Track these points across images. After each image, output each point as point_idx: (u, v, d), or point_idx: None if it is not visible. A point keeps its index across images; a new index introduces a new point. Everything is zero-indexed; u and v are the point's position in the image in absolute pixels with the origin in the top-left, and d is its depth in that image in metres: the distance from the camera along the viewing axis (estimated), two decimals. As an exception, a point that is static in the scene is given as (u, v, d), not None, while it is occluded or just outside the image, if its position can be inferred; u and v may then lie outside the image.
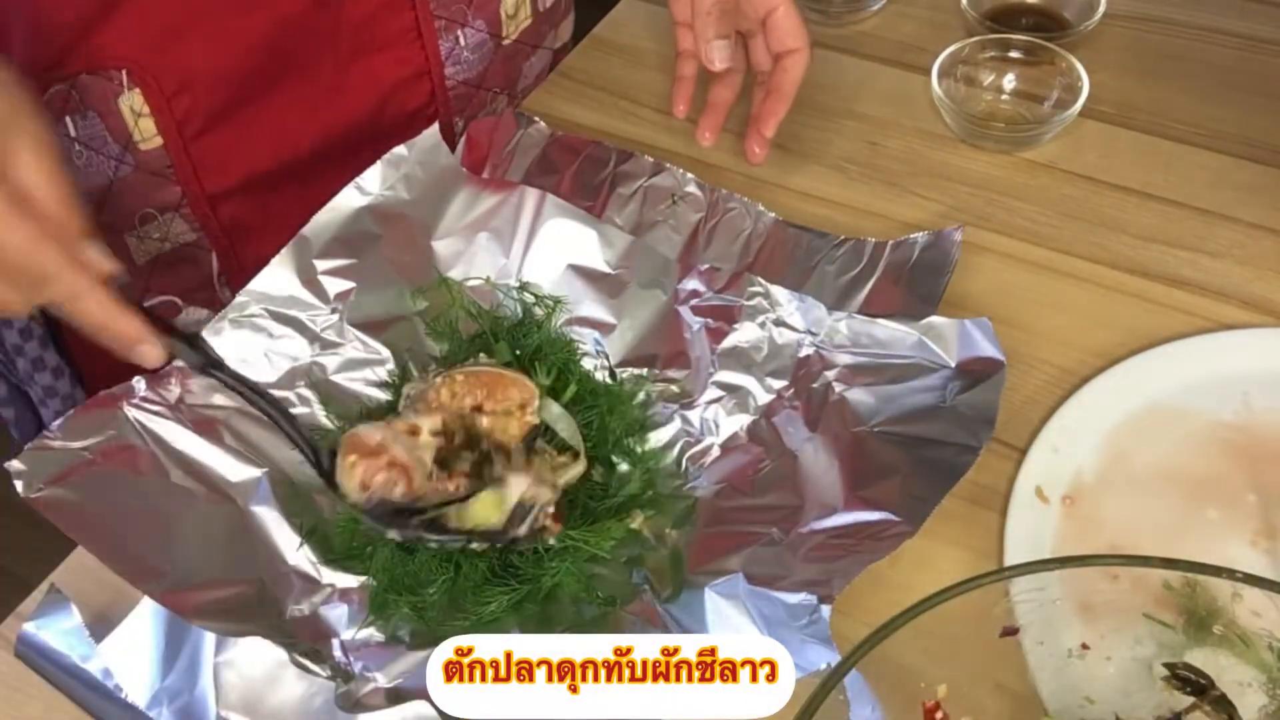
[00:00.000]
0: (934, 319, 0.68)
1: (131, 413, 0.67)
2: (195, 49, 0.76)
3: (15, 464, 0.62)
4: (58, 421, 0.65)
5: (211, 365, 0.64)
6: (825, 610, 0.57)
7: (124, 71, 0.76)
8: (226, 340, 0.71)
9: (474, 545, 0.64)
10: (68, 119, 0.78)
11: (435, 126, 0.80)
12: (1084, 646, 0.53)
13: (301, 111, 0.83)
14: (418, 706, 0.57)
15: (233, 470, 0.67)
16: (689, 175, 0.82)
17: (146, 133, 0.79)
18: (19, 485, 0.62)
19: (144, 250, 0.84)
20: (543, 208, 0.78)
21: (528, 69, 0.97)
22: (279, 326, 0.72)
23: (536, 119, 0.87)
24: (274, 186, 0.85)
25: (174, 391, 0.68)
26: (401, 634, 0.62)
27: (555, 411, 0.69)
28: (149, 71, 0.76)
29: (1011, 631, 0.52)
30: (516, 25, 0.91)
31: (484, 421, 0.66)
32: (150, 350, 0.60)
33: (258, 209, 0.86)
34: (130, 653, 0.61)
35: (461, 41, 0.87)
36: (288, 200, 0.85)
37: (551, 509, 0.64)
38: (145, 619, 0.62)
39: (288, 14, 0.78)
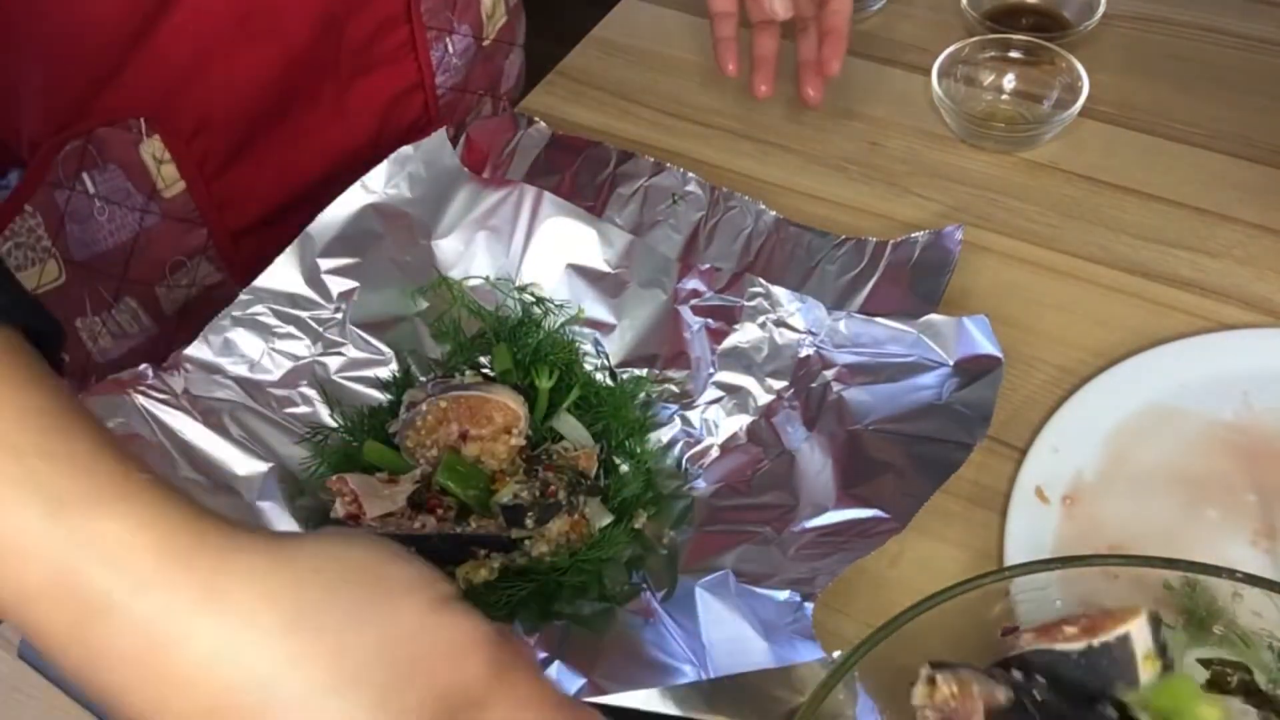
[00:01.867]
0: (932, 317, 0.68)
1: (140, 400, 0.67)
2: (210, 88, 0.75)
3: None
4: None
5: None
6: (808, 607, 0.57)
7: (141, 120, 0.74)
8: (229, 339, 0.71)
9: (482, 551, 0.65)
10: (85, 175, 0.75)
11: (443, 129, 0.80)
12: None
13: (309, 139, 0.82)
14: None
15: (239, 464, 0.67)
16: (690, 175, 0.82)
17: (169, 179, 0.77)
18: None
19: (172, 300, 0.82)
20: (541, 206, 0.78)
21: (508, 68, 0.97)
22: (282, 325, 0.72)
23: (537, 119, 0.87)
24: (287, 217, 0.84)
25: (179, 382, 0.69)
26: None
27: (570, 423, 0.70)
28: (166, 116, 0.75)
29: (1012, 631, 0.52)
30: (494, 24, 0.91)
31: (471, 448, 0.67)
32: None
33: (274, 241, 0.85)
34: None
35: (450, 49, 0.87)
36: (299, 228, 0.85)
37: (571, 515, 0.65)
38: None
39: (295, 44, 0.77)
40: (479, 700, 0.39)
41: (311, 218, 0.75)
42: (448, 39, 0.87)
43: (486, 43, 0.91)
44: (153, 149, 0.76)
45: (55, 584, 0.36)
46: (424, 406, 0.68)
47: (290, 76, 0.78)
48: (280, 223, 0.83)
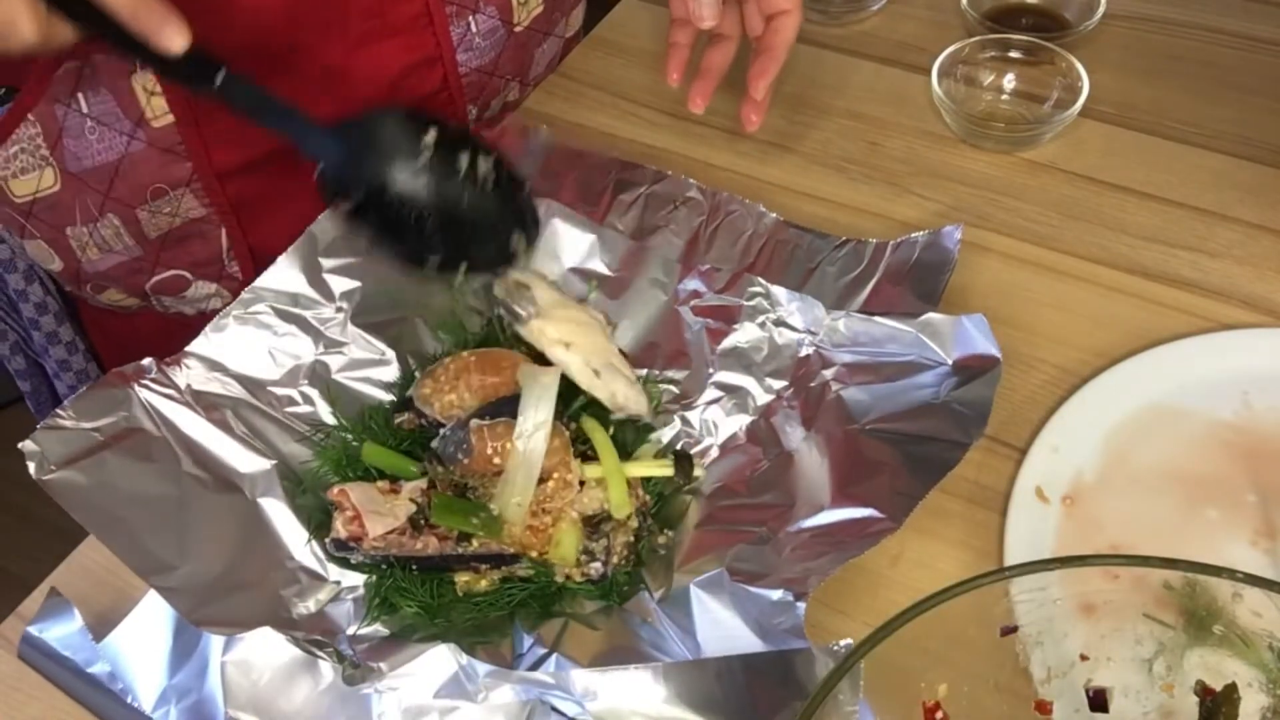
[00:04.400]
0: (931, 316, 0.68)
1: (143, 394, 0.67)
2: (205, 27, 0.76)
3: (28, 444, 0.62)
4: (69, 399, 0.65)
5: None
6: (800, 607, 0.57)
7: None
8: (231, 336, 0.71)
9: (483, 565, 0.65)
10: (80, 94, 0.79)
11: None
12: (1083, 658, 0.53)
13: (310, 94, 0.83)
14: (419, 691, 0.58)
15: (242, 460, 0.67)
16: (690, 181, 0.82)
17: (158, 110, 0.79)
18: (31, 467, 0.62)
19: (155, 225, 0.86)
20: (543, 212, 0.78)
21: (539, 56, 0.97)
22: (283, 324, 0.72)
23: (539, 127, 0.87)
24: (282, 165, 0.85)
25: (182, 378, 0.69)
26: (407, 628, 0.63)
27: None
28: None
29: (1011, 631, 0.52)
30: (528, 12, 0.92)
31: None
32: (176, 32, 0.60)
33: (266, 186, 0.86)
34: (138, 651, 0.61)
35: (473, 28, 0.88)
36: (295, 178, 0.85)
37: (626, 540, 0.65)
38: (154, 616, 0.62)
39: None
40: None
41: (305, 169, 0.75)
42: (471, 17, 0.87)
43: (519, 29, 0.92)
44: (144, 80, 0.78)
45: None
46: (447, 360, 0.69)
47: (292, 29, 0.79)
48: (268, 168, 0.84)
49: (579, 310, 0.72)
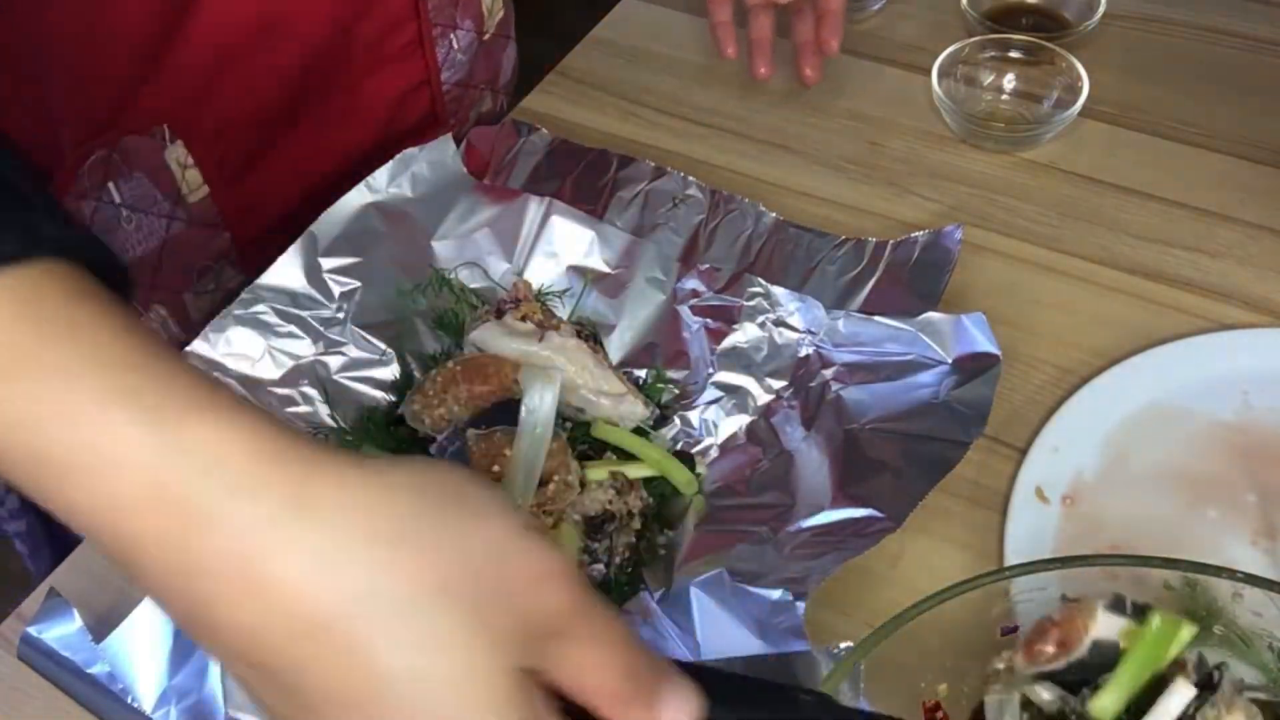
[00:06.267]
0: (930, 315, 0.69)
1: None
2: (228, 92, 0.75)
3: None
4: None
5: None
6: (800, 606, 0.57)
7: (165, 126, 0.74)
8: (231, 336, 0.71)
9: None
10: (111, 185, 0.75)
11: (449, 135, 0.80)
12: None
13: (320, 139, 0.82)
14: None
15: None
16: (690, 179, 0.82)
17: (193, 183, 0.77)
18: None
19: (199, 307, 0.82)
20: (544, 215, 0.78)
21: (505, 61, 0.97)
22: (283, 324, 0.72)
23: (538, 127, 0.87)
24: (304, 219, 0.84)
25: None
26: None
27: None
28: (188, 121, 0.75)
29: (1011, 631, 0.52)
30: (494, 19, 0.92)
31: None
32: None
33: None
34: (138, 651, 0.61)
35: (455, 45, 0.87)
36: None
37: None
38: (154, 617, 0.62)
39: (309, 46, 0.77)
40: (559, 631, 0.37)
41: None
42: (452, 35, 0.87)
43: (486, 37, 0.92)
44: (177, 154, 0.76)
45: (151, 492, 0.35)
46: (433, 373, 0.69)
47: (304, 79, 0.79)
48: (297, 225, 0.84)
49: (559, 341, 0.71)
